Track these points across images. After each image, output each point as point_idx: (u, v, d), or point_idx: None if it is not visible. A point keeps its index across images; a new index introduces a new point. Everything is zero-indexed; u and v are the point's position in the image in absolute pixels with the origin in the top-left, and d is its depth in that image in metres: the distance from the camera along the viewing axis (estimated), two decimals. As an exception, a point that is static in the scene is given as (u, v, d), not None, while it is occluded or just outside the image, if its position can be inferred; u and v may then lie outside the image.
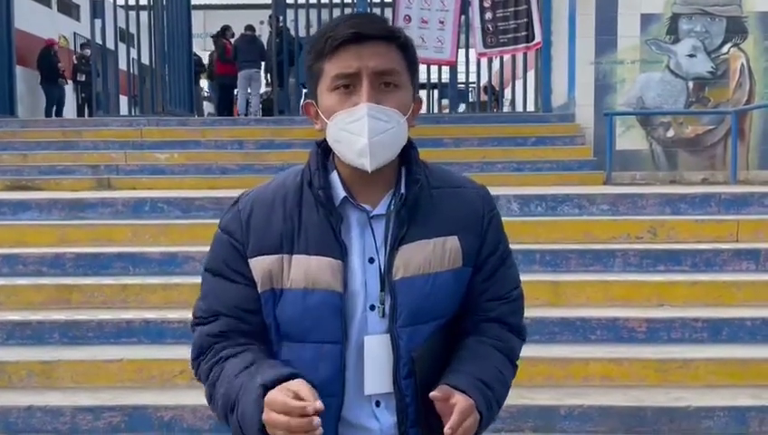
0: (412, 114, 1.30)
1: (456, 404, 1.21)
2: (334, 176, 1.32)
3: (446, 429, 1.18)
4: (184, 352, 4.06)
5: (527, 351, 4.38)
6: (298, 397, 1.16)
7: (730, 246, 4.95)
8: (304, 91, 10.94)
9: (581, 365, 3.97)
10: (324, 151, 1.34)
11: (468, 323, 1.38)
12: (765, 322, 4.23)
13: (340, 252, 1.27)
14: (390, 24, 1.33)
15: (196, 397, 3.80)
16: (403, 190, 1.31)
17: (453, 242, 1.31)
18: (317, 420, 1.14)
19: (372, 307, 1.29)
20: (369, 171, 1.25)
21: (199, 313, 1.36)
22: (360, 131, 1.22)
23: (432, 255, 1.30)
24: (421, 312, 1.28)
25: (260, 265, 1.28)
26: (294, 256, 1.28)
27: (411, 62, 1.30)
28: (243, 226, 1.30)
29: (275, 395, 1.17)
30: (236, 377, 1.25)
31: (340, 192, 1.30)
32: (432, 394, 1.21)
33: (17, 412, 3.70)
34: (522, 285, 1.48)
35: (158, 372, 3.98)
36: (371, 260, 1.29)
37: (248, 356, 1.29)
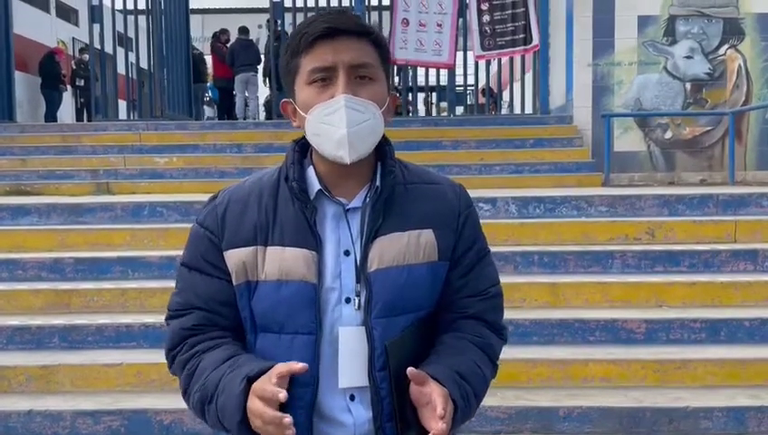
0: (387, 109, 1.32)
1: (431, 392, 1.21)
2: (310, 171, 1.34)
3: (439, 411, 1.17)
4: (183, 356, 4.09)
5: (526, 352, 4.39)
6: (280, 384, 1.18)
7: (728, 247, 4.97)
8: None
9: (580, 366, 3.98)
10: (302, 149, 1.37)
11: (446, 321, 1.37)
12: (763, 322, 4.24)
13: (315, 243, 1.29)
14: (367, 21, 1.34)
15: (195, 400, 3.81)
16: (378, 183, 1.33)
17: (427, 235, 1.32)
18: (289, 422, 1.15)
19: (348, 300, 1.29)
20: (348, 162, 1.27)
21: (174, 306, 1.37)
22: (338, 123, 1.25)
23: (406, 247, 1.31)
24: (396, 304, 1.29)
25: (235, 258, 1.30)
26: (269, 248, 1.29)
27: (384, 57, 1.33)
28: (218, 220, 1.33)
29: (260, 384, 1.19)
30: (214, 370, 1.27)
31: (316, 185, 1.33)
32: (409, 370, 1.21)
33: (17, 417, 3.71)
34: (502, 291, 1.45)
35: (157, 375, 3.98)
36: (347, 253, 1.30)
37: (225, 351, 1.30)
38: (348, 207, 1.32)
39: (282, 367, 1.18)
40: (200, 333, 1.33)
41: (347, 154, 1.26)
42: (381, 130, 1.31)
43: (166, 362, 1.39)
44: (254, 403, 1.18)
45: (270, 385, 1.17)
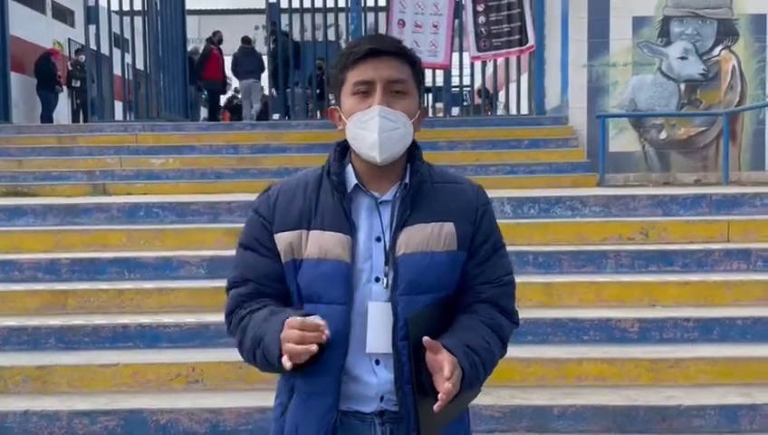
0: (418, 120, 1.55)
1: (443, 359, 1.41)
2: (349, 168, 1.57)
3: (446, 373, 1.38)
4: (179, 356, 4.12)
5: (521, 352, 4.40)
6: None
7: (721, 247, 5.00)
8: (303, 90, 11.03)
9: (574, 365, 4.00)
10: (342, 150, 1.59)
11: (463, 305, 1.58)
12: (756, 321, 4.27)
13: (350, 229, 1.51)
14: (396, 37, 1.47)
15: (191, 400, 3.83)
16: (407, 181, 1.55)
17: (449, 227, 1.53)
18: (324, 325, 1.39)
19: (377, 279, 1.52)
20: (379, 162, 1.49)
21: (233, 279, 1.61)
22: (372, 128, 1.48)
23: (430, 236, 1.52)
24: (418, 283, 1.50)
25: (283, 239, 1.54)
26: (311, 232, 1.52)
27: (418, 76, 1.56)
28: (270, 207, 1.57)
29: (293, 319, 1.42)
30: (264, 321, 1.50)
31: (353, 181, 1.55)
32: (425, 338, 1.41)
33: (13, 417, 3.72)
34: (515, 281, 1.65)
35: (153, 376, 4.00)
36: (378, 239, 1.52)
37: (270, 308, 1.54)
38: (380, 200, 1.54)
39: (314, 318, 1.41)
40: (253, 299, 1.57)
41: (378, 155, 1.49)
42: (410, 137, 1.53)
43: (225, 323, 1.62)
44: (286, 332, 1.40)
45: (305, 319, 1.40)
